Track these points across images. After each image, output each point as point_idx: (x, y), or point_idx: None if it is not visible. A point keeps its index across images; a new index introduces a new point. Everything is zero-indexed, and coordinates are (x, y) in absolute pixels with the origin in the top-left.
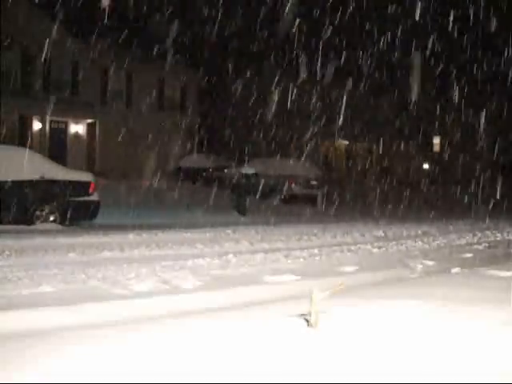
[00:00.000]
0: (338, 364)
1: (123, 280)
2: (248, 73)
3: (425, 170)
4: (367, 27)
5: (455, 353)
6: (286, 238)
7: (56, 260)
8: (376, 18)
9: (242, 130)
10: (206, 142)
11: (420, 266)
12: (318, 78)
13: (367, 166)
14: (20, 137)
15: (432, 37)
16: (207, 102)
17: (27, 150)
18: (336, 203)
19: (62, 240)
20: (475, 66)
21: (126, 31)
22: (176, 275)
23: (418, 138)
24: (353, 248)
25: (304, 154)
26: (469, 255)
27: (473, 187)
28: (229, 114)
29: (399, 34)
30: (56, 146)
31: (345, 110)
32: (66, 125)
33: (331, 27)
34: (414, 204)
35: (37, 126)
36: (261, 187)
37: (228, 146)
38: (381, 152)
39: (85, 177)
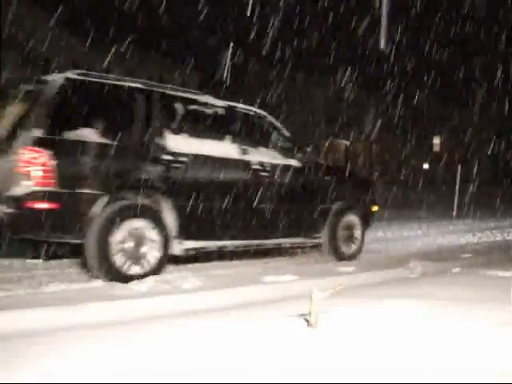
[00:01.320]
0: (338, 364)
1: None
2: (248, 72)
3: (424, 169)
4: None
5: (455, 353)
6: None
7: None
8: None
9: None
10: None
11: (420, 266)
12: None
13: (367, 166)
14: None
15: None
16: None
17: None
18: None
19: None
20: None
21: (126, 31)
22: (177, 275)
23: (419, 138)
24: None
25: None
26: (469, 255)
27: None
28: None
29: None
30: None
31: (345, 111)
32: None
33: (330, 27)
34: (413, 204)
35: None
36: None
37: None
38: (381, 151)
39: None
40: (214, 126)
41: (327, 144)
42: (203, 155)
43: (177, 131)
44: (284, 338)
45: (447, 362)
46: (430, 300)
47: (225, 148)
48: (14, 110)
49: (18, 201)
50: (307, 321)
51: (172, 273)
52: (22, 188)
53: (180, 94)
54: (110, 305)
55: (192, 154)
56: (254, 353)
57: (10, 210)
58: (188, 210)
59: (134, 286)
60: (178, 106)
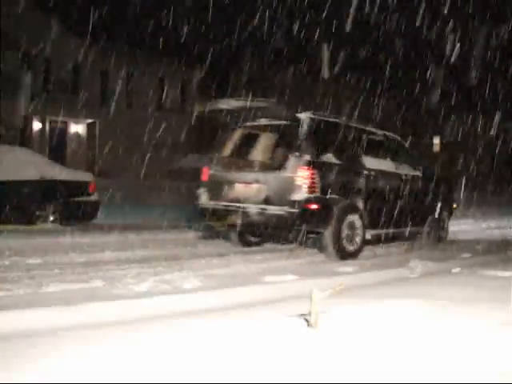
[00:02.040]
0: (338, 364)
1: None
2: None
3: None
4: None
5: (455, 353)
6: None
7: (56, 260)
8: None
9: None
10: (205, 142)
11: (420, 266)
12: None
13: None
14: (20, 137)
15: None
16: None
17: (27, 150)
18: None
19: (62, 240)
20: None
21: (126, 31)
22: (177, 275)
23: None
24: None
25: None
26: (468, 255)
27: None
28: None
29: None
30: (56, 146)
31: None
32: (66, 125)
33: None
34: None
35: (37, 126)
36: None
37: None
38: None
39: (84, 177)
40: (380, 149)
41: None
42: (381, 170)
43: (366, 153)
44: (284, 338)
45: (447, 362)
46: (430, 300)
47: (388, 164)
48: (262, 139)
49: (298, 203)
50: (307, 321)
51: (173, 273)
52: (300, 195)
53: (362, 126)
54: (109, 305)
55: (376, 169)
56: (253, 353)
57: (293, 210)
58: (373, 207)
59: (133, 285)
60: (363, 135)
